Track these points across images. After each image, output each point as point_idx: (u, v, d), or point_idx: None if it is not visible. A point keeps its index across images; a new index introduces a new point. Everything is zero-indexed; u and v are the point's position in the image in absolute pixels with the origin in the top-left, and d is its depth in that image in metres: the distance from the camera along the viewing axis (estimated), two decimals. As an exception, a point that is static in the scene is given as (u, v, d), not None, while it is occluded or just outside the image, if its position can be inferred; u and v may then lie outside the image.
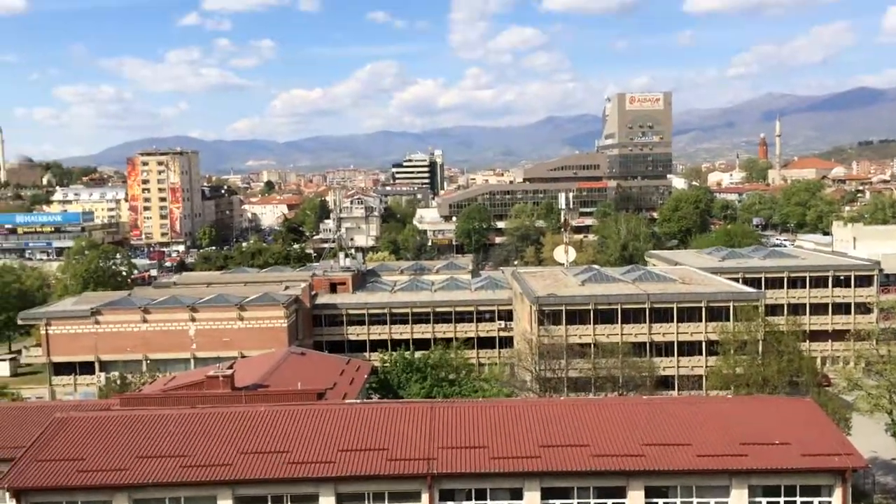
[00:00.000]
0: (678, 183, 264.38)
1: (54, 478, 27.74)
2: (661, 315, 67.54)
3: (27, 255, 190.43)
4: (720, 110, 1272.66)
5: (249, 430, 29.77)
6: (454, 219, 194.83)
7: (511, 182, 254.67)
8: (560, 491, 27.58)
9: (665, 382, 66.30)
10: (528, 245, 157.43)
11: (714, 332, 65.87)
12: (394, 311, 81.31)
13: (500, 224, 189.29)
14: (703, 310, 67.12)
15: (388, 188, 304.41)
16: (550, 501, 27.50)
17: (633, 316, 67.58)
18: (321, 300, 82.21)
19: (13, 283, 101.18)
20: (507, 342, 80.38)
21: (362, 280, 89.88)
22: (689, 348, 67.67)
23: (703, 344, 66.99)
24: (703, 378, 65.37)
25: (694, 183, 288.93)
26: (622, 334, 66.70)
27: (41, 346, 77.08)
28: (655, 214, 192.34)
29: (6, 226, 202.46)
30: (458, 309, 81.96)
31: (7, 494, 27.99)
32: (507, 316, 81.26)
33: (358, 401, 37.36)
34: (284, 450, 28.46)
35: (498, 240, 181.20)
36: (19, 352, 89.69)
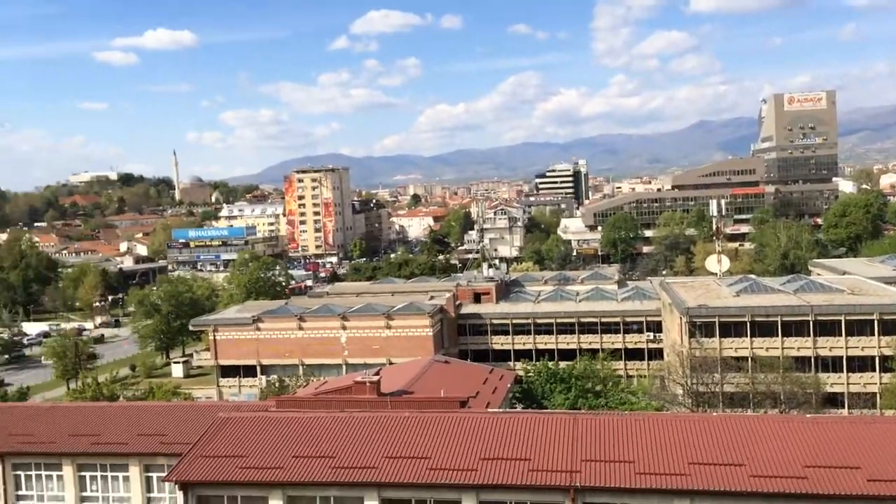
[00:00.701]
0: (845, 186, 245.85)
1: (217, 473, 29.52)
2: (826, 328, 62.87)
3: (198, 267, 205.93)
4: (893, 107, 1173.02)
5: (394, 434, 30.39)
6: (599, 228, 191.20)
7: (659, 190, 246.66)
8: (712, 511, 26.12)
9: (833, 400, 61.58)
10: (677, 254, 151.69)
11: (888, 346, 60.47)
12: (538, 321, 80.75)
13: (648, 233, 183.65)
14: (876, 322, 61.80)
15: (531, 199, 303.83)
16: (701, 521, 26.11)
17: (794, 329, 63.33)
18: (466, 310, 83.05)
19: (186, 292, 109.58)
20: (656, 354, 77.66)
21: (506, 290, 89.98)
22: (859, 364, 62.52)
23: (876, 359, 61.64)
24: (878, 396, 60.12)
25: (864, 186, 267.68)
26: (783, 348, 62.62)
27: (210, 351, 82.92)
28: (820, 221, 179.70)
29: (181, 240, 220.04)
30: (604, 320, 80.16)
31: (175, 486, 30.18)
32: (656, 327, 78.53)
33: (501, 410, 37.26)
34: (427, 455, 28.80)
35: (645, 249, 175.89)
36: (191, 355, 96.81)
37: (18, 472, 35.33)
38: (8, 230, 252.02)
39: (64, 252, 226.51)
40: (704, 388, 57.68)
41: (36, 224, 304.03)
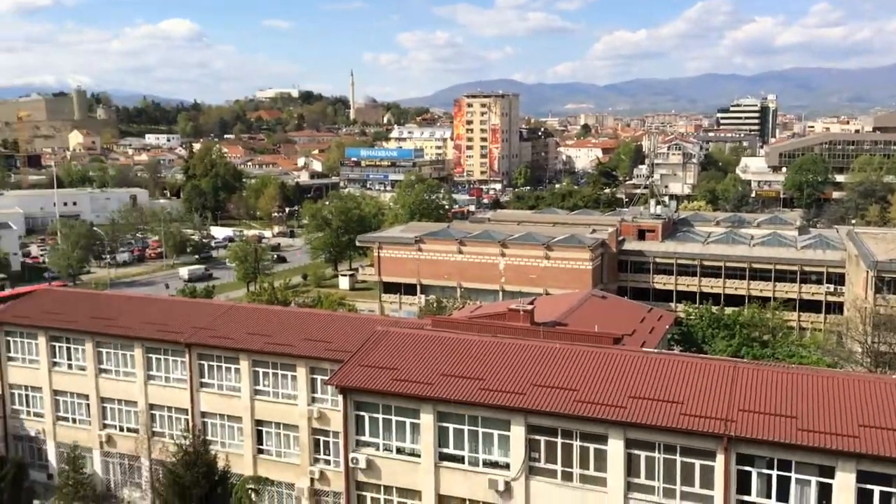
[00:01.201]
0: None
1: (374, 382, 31.10)
2: None
3: (367, 186, 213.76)
4: None
5: (543, 363, 30.49)
6: (784, 170, 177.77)
7: (857, 131, 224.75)
8: (881, 477, 24.30)
9: None
10: (871, 203, 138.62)
11: None
12: (705, 263, 77.29)
13: (840, 178, 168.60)
14: None
15: (710, 134, 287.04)
16: (868, 486, 24.39)
17: None
18: (628, 246, 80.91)
19: (355, 209, 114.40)
20: (835, 308, 72.32)
21: (673, 229, 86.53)
22: None
23: None
24: None
25: None
26: (985, 313, 56.17)
27: (374, 266, 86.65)
28: None
29: (353, 159, 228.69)
30: (780, 267, 75.36)
31: (336, 390, 32.15)
32: (838, 279, 72.87)
33: (656, 350, 36.29)
34: (575, 388, 28.71)
35: (835, 195, 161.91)
36: (357, 269, 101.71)
37: (203, 362, 39.02)
38: (201, 140, 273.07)
39: (249, 163, 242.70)
40: (887, 347, 53.17)
41: (225, 136, 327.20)
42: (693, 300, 73.35)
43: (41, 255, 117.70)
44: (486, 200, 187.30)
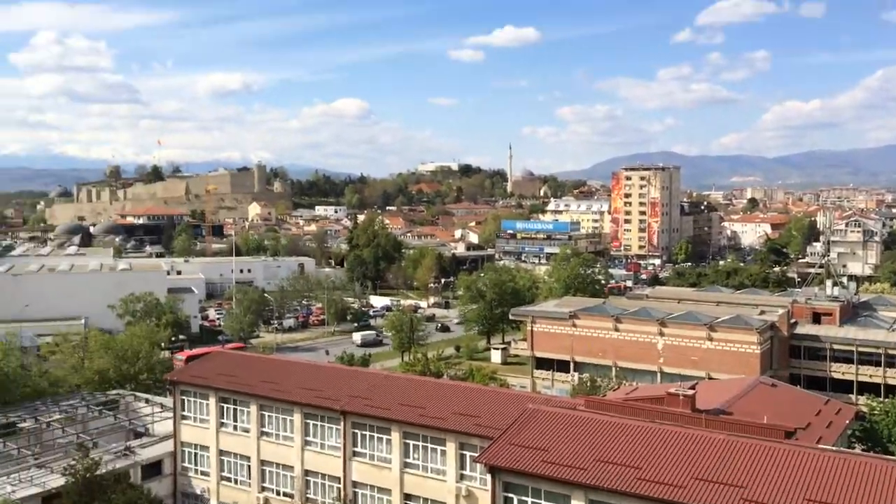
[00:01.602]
0: None
1: (524, 463, 30.28)
2: None
3: (522, 258, 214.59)
4: None
5: (707, 455, 28.48)
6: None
7: None
8: None
9: None
10: None
11: None
12: (891, 351, 70.26)
13: None
14: None
15: (894, 210, 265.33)
16: None
17: None
18: (801, 330, 75.20)
19: (509, 281, 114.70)
20: None
21: (853, 313, 79.65)
22: None
23: None
24: None
25: None
26: None
27: (526, 341, 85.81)
28: None
29: (508, 231, 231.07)
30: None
31: (485, 468, 31.58)
32: None
33: (834, 448, 32.96)
34: (741, 485, 26.51)
35: None
36: (510, 343, 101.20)
37: (356, 431, 39.81)
38: (365, 212, 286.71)
39: (408, 234, 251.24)
40: None
41: (388, 207, 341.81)
42: (877, 393, 66.66)
43: (217, 319, 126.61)
44: (643, 276, 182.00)
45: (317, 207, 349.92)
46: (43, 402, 52.79)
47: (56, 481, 39.99)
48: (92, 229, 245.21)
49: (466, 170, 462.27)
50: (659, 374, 72.86)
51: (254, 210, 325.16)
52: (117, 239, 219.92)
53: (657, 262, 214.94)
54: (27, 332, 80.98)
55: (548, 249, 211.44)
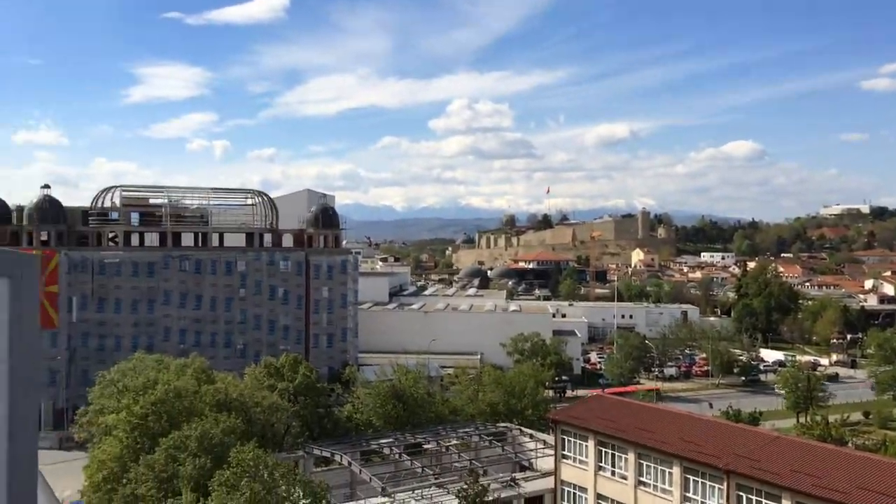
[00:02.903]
0: None
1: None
2: None
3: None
4: None
5: None
6: None
7: None
8: None
9: None
10: None
11: None
12: None
13: None
14: None
15: None
16: None
17: None
18: None
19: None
20: None
21: None
22: None
23: None
24: None
25: None
26: None
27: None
28: None
29: None
30: None
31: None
32: None
33: None
34: None
35: None
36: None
37: (741, 493, 36.97)
38: (756, 259, 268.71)
39: (806, 284, 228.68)
40: None
41: (782, 254, 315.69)
42: None
43: (598, 362, 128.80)
44: None
45: (702, 254, 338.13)
46: (443, 428, 58.79)
47: (451, 502, 44.01)
48: (489, 273, 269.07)
49: (880, 212, 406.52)
50: None
51: (637, 256, 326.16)
52: (510, 282, 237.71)
53: None
54: (433, 363, 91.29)
55: None
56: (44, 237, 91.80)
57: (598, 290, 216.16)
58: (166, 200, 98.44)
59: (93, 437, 54.48)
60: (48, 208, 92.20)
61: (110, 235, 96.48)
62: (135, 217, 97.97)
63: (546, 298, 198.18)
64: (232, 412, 49.71)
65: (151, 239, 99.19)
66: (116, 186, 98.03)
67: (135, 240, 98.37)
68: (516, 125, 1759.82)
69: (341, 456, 50.50)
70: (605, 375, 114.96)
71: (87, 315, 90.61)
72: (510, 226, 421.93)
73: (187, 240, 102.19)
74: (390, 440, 53.99)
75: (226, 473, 37.76)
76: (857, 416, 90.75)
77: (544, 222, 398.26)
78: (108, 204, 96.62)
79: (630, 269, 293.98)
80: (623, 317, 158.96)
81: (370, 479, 47.44)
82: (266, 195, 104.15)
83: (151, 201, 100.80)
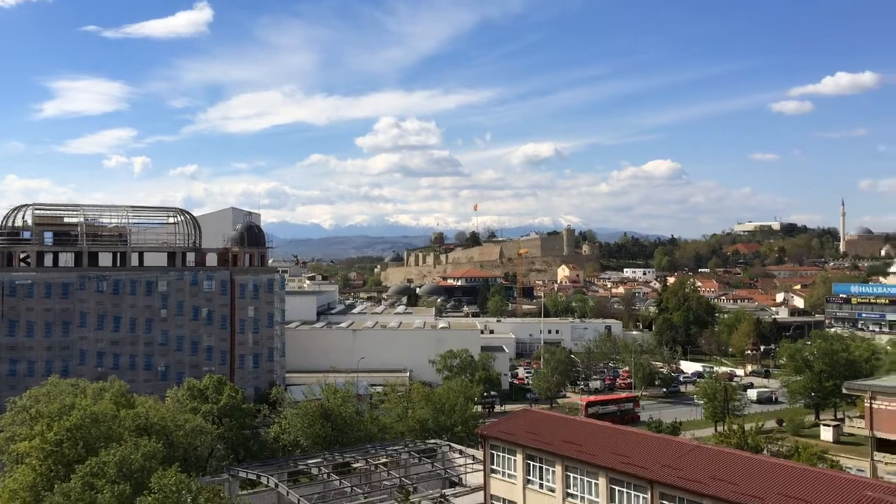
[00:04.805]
0: None
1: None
2: None
3: (859, 326, 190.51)
4: None
5: None
6: None
7: None
8: None
9: None
10: None
11: None
12: None
13: None
14: None
15: None
16: None
17: None
18: None
19: (842, 351, 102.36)
20: None
21: None
22: None
23: None
24: None
25: None
26: None
27: (864, 419, 75.30)
28: None
29: (841, 295, 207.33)
30: None
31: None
32: None
33: None
34: None
35: None
36: (843, 420, 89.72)
37: (664, 502, 37.96)
38: (675, 274, 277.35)
39: (722, 298, 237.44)
40: None
41: (700, 270, 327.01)
42: None
43: (526, 377, 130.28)
44: None
45: (625, 270, 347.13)
46: (373, 446, 58.46)
47: (381, 520, 43.75)
48: (418, 290, 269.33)
49: (790, 229, 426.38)
50: None
51: (562, 272, 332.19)
52: (439, 299, 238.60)
53: None
54: (362, 381, 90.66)
55: (890, 316, 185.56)
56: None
57: (526, 307, 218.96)
58: (82, 219, 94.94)
59: (3, 466, 51.84)
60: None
61: (22, 255, 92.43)
62: (48, 236, 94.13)
63: (475, 315, 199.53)
64: (153, 436, 48.18)
65: (66, 259, 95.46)
66: (29, 205, 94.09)
67: (48, 260, 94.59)
68: (444, 143, 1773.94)
69: (268, 478, 49.53)
70: (532, 390, 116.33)
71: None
72: (438, 243, 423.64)
73: (105, 259, 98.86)
74: (318, 460, 53.29)
75: (147, 500, 36.57)
76: (771, 423, 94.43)
77: (472, 240, 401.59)
78: (19, 223, 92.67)
79: (556, 285, 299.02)
80: (550, 332, 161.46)
81: (298, 500, 46.68)
82: (189, 213, 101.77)
83: (66, 220, 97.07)
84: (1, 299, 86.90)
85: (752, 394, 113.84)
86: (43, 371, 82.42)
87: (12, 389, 74.49)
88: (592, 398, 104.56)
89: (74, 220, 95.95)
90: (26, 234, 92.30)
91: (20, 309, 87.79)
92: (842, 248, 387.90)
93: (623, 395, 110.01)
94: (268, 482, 49.66)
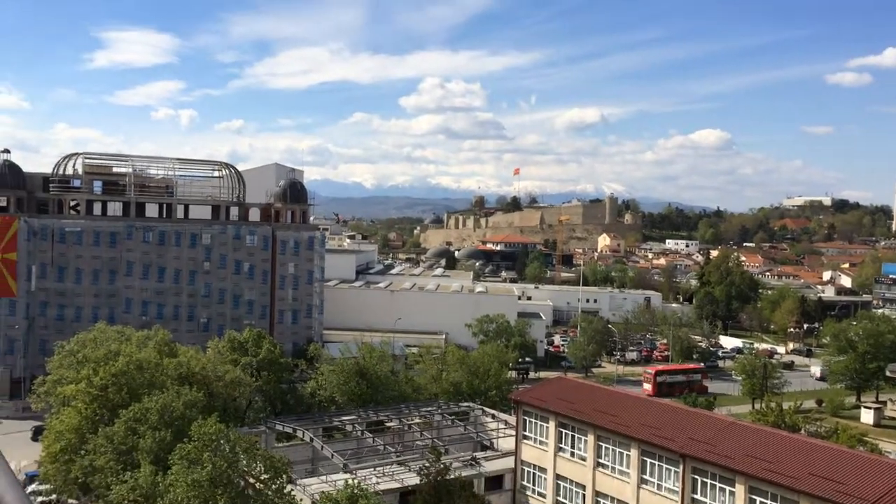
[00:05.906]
0: None
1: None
2: None
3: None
4: None
5: None
6: None
7: None
8: None
9: None
10: None
11: None
12: None
13: None
14: None
15: None
16: None
17: None
18: None
19: (887, 333, 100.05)
20: None
21: None
22: None
23: None
24: None
25: None
26: None
27: (908, 403, 73.85)
28: None
29: (891, 276, 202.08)
30: None
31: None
32: None
33: None
34: None
35: None
36: (885, 403, 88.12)
37: (696, 477, 37.80)
38: (719, 247, 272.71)
39: (767, 274, 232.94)
40: None
41: (745, 244, 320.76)
42: None
43: (562, 345, 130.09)
44: None
45: (667, 241, 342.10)
46: (406, 406, 59.04)
47: (412, 479, 44.32)
48: (457, 254, 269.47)
49: (841, 205, 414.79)
50: None
51: (603, 241, 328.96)
52: (477, 263, 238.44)
53: None
54: (398, 342, 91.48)
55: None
56: (2, 203, 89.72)
57: (564, 274, 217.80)
58: (130, 169, 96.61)
59: (51, 408, 53.69)
60: (7, 173, 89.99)
61: (72, 203, 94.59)
62: (98, 185, 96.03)
63: (512, 281, 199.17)
64: (194, 386, 49.31)
65: (114, 208, 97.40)
66: (79, 153, 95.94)
67: (97, 209, 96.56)
68: (488, 105, 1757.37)
69: (303, 432, 50.46)
70: (568, 358, 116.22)
71: (47, 284, 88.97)
72: (479, 207, 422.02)
73: (151, 210, 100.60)
74: (353, 417, 54.06)
75: (187, 447, 37.49)
76: (810, 403, 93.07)
77: (513, 204, 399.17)
78: (70, 171, 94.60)
79: (596, 254, 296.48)
80: (587, 301, 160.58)
81: (332, 455, 47.53)
82: (233, 168, 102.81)
83: (115, 170, 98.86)
84: (51, 245, 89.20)
85: (815, 370, 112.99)
86: (89, 317, 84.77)
87: (60, 334, 76.78)
88: (661, 367, 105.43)
89: (123, 170, 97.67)
90: (76, 183, 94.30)
91: (69, 256, 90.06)
92: (894, 227, 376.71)
93: (692, 365, 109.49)
94: (303, 436, 50.62)
